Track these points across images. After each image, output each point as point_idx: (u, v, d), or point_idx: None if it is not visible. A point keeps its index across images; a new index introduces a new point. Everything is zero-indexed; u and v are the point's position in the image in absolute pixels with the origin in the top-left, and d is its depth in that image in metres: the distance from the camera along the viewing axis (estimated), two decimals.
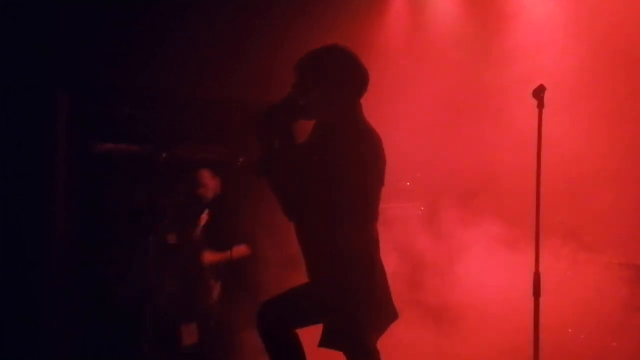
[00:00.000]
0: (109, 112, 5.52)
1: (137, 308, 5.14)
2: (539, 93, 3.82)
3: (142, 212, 5.17)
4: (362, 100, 3.46)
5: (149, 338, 5.00)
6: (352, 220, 3.30)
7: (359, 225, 3.34)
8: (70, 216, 5.53)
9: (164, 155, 5.18)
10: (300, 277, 3.47)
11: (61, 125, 5.43)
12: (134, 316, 5.16)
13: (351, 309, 3.28)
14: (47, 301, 5.28)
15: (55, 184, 5.39)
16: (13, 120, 5.16)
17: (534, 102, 3.85)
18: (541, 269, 3.83)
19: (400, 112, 5.86)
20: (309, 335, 3.36)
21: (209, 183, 5.52)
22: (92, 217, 5.63)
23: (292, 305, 3.38)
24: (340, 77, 3.37)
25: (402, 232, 5.25)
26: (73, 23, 5.33)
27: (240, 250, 5.49)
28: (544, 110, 3.84)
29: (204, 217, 5.52)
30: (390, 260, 3.61)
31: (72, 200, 5.53)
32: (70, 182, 5.52)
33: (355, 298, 3.29)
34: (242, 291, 5.47)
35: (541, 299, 3.86)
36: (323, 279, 3.35)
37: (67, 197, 5.48)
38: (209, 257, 5.43)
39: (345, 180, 3.22)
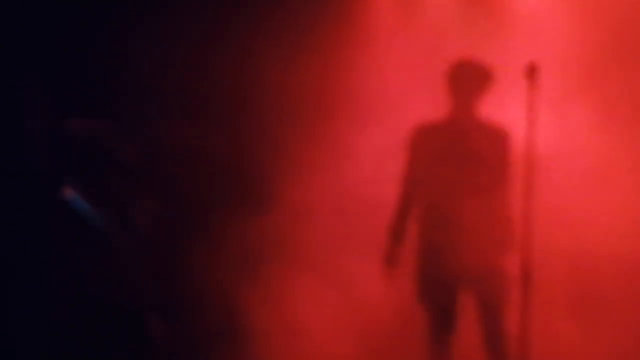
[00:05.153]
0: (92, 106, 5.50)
1: (117, 305, 5.12)
2: (530, 73, 3.45)
3: (122, 208, 5.14)
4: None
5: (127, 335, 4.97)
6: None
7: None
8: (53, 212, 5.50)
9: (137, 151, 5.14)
10: None
11: (42, 116, 5.41)
12: (118, 314, 5.13)
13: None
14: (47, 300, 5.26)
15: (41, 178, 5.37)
16: None
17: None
18: None
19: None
20: None
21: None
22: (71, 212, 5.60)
23: None
24: None
25: None
26: (64, 18, 5.30)
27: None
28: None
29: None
30: None
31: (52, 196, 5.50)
32: (50, 176, 5.50)
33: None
34: None
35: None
36: None
37: (46, 192, 5.45)
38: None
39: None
